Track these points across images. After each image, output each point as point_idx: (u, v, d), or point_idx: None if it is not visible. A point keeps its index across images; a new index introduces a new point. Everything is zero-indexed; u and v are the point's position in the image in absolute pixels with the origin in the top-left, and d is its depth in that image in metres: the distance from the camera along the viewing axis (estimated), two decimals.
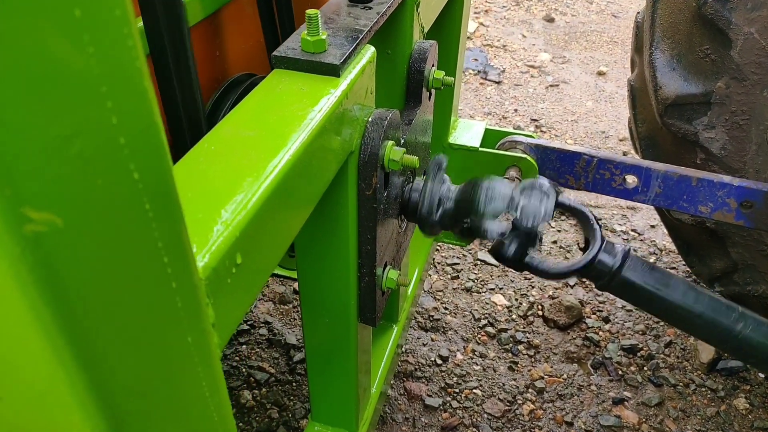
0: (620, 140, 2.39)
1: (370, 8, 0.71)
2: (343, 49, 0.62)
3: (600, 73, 2.81)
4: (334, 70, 0.60)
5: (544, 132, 2.43)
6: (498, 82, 2.71)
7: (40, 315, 0.24)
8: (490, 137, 1.34)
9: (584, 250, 0.71)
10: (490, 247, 0.73)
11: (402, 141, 0.74)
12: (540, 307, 1.67)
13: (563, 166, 1.23)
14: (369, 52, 0.66)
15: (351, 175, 0.65)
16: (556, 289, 1.74)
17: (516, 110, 2.53)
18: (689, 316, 0.74)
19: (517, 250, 0.67)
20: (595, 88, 2.72)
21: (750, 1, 1.06)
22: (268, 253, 0.49)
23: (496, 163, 1.24)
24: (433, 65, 0.93)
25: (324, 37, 0.62)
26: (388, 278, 0.78)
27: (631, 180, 1.20)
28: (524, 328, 1.63)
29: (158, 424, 0.34)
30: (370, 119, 0.66)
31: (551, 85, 2.72)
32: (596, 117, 2.53)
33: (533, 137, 1.28)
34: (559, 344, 1.59)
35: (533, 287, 1.74)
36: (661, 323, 1.66)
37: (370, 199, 0.66)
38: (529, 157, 1.22)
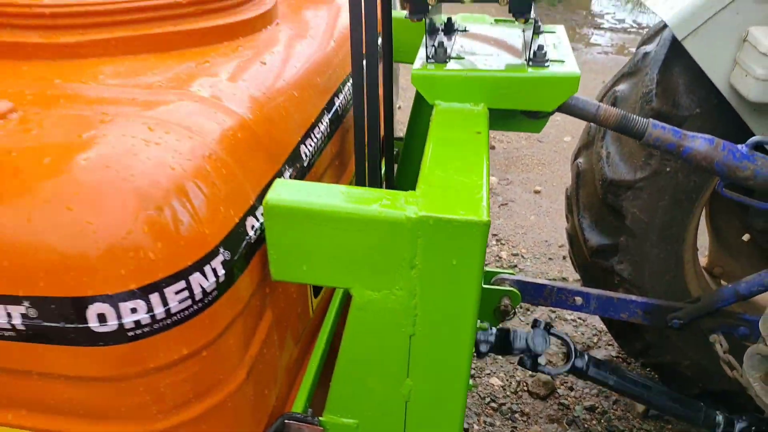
0: (559, 246, 3.18)
1: None
2: None
3: (536, 192, 3.66)
4: None
5: (504, 244, 3.18)
6: None
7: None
8: (485, 276, 2.03)
9: (567, 358, 1.39)
10: (517, 361, 1.39)
11: None
12: (525, 384, 2.33)
13: (536, 293, 1.93)
14: None
15: None
16: None
17: None
18: (624, 389, 1.42)
19: (534, 363, 1.34)
20: (534, 204, 3.54)
21: (631, 193, 1.84)
22: None
23: (494, 295, 1.92)
24: None
25: None
26: None
27: (579, 299, 1.92)
28: (516, 401, 2.27)
29: None
30: None
31: (502, 204, 3.52)
32: (539, 229, 3.32)
33: (514, 274, 1.98)
34: (542, 410, 2.24)
35: (517, 369, 2.40)
36: None
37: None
38: (515, 290, 1.91)
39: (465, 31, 1.18)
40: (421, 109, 1.68)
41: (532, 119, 1.07)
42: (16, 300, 0.61)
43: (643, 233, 1.85)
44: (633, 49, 2.14)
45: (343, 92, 1.22)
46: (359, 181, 1.11)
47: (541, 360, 1.37)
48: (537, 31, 1.00)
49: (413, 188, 0.76)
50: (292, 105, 0.98)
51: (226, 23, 1.02)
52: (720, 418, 1.48)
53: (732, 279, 2.17)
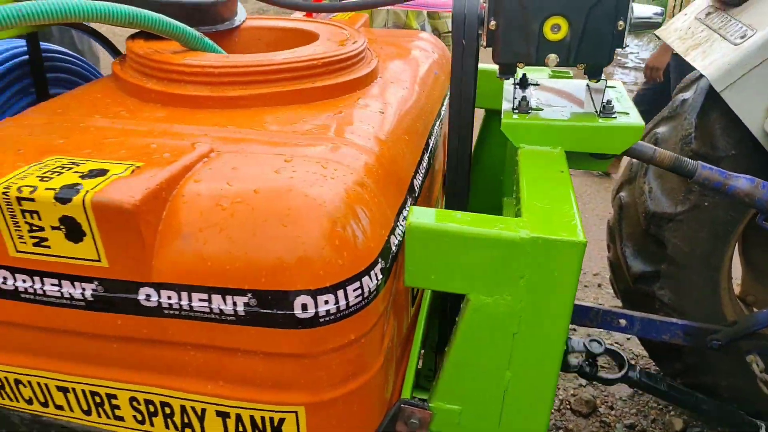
0: (594, 275, 3.34)
1: None
2: None
3: None
4: None
5: None
6: None
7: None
8: None
9: (620, 369, 1.56)
10: (577, 370, 1.57)
11: None
12: (568, 402, 2.48)
13: (582, 315, 2.11)
14: None
15: None
16: (575, 389, 2.55)
17: None
18: (673, 395, 1.58)
19: (593, 369, 1.52)
20: None
21: (672, 225, 2.02)
22: None
23: None
24: None
25: None
26: None
27: (623, 321, 2.08)
28: (560, 418, 2.42)
29: None
30: None
31: None
32: None
33: None
34: (584, 427, 2.38)
35: (559, 389, 2.55)
36: (648, 407, 2.49)
37: None
38: None
39: (537, 84, 1.40)
40: (483, 147, 1.91)
41: (598, 160, 1.28)
42: (242, 292, 0.82)
43: (683, 261, 2.03)
44: None
45: (433, 135, 1.44)
46: (449, 206, 1.32)
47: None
48: (604, 88, 1.22)
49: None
50: (405, 146, 1.20)
51: (349, 79, 1.25)
52: (764, 429, 1.63)
53: (763, 306, 2.33)
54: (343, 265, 0.83)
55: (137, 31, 1.33)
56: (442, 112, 1.61)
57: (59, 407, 1.02)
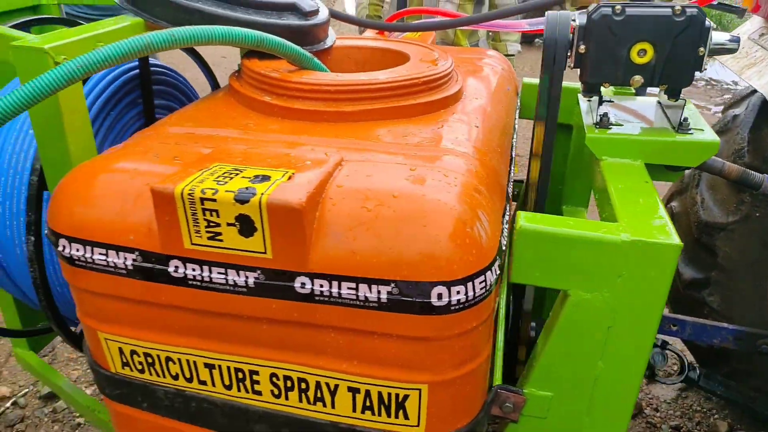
0: None
1: None
2: None
3: None
4: None
5: None
6: None
7: None
8: None
9: (681, 371, 1.66)
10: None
11: None
12: None
13: None
14: None
15: None
16: None
17: None
18: (730, 395, 1.69)
19: (652, 373, 1.63)
20: None
21: (724, 234, 2.12)
22: None
23: None
24: None
25: None
26: None
27: (675, 326, 2.18)
28: None
29: None
30: None
31: None
32: None
33: None
34: (631, 428, 2.47)
35: None
36: (692, 410, 2.57)
37: None
38: None
39: (611, 101, 1.52)
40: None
41: (672, 172, 1.40)
42: (386, 282, 0.95)
43: (733, 269, 2.13)
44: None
45: (513, 147, 1.57)
46: (538, 210, 1.45)
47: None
48: (683, 106, 1.33)
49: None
50: (499, 157, 1.33)
51: (444, 96, 1.38)
52: None
53: None
54: (472, 261, 0.96)
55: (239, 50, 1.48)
56: (516, 126, 1.74)
57: (203, 382, 1.16)
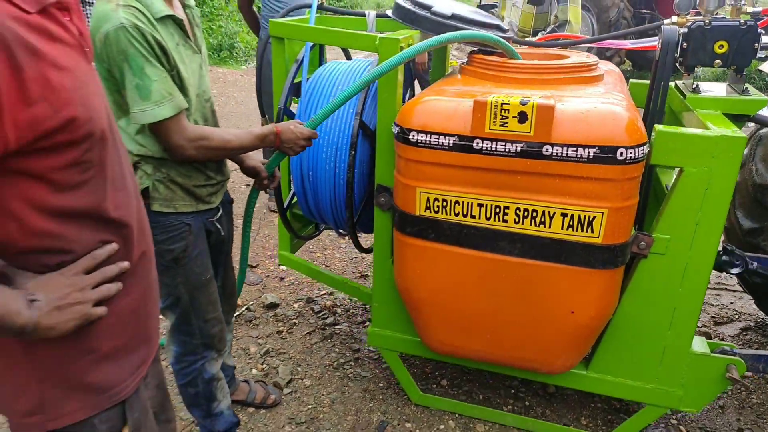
0: None
1: None
2: None
3: None
4: None
5: None
6: None
7: None
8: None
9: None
10: None
11: None
12: None
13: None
14: None
15: None
16: None
17: None
18: None
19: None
20: None
21: None
22: None
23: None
24: None
25: None
26: None
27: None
28: None
29: None
30: None
31: None
32: None
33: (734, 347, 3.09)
34: None
35: None
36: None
37: None
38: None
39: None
40: None
41: (738, 121, 2.31)
42: (592, 146, 1.89)
43: None
44: None
45: None
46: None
47: None
48: (744, 80, 2.26)
49: None
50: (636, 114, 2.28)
51: (597, 74, 2.35)
52: None
53: None
54: (636, 137, 1.90)
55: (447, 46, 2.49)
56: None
57: (473, 217, 2.10)
